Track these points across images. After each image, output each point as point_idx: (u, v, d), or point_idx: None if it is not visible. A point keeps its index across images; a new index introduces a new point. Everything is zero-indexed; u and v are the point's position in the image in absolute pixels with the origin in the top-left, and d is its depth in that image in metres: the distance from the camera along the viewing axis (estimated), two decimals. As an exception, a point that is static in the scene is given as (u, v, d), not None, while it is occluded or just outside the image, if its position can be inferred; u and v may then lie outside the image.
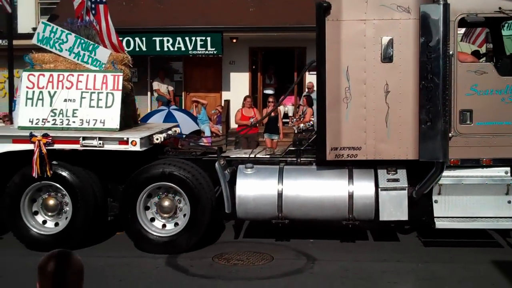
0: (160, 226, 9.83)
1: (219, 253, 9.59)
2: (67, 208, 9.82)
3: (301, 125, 17.44)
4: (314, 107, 17.90)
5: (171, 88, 22.48)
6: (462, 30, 11.04)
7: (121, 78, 10.00)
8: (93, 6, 10.86)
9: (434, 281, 8.51)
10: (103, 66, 10.21)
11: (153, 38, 21.85)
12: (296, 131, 17.81)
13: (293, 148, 10.29)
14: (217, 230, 10.74)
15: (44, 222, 9.94)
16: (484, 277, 8.57)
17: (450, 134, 9.26)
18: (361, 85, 9.31)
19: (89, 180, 9.79)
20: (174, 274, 8.84)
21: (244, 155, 10.49)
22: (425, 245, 10.05)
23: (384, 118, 9.33)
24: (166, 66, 23.92)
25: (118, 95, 9.96)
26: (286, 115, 23.01)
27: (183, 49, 22.45)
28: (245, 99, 18.17)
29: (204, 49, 22.48)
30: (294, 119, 18.60)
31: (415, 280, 8.50)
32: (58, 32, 10.24)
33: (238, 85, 23.19)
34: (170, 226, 9.84)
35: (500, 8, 9.21)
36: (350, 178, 9.61)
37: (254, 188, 9.72)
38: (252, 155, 10.37)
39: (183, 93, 24.00)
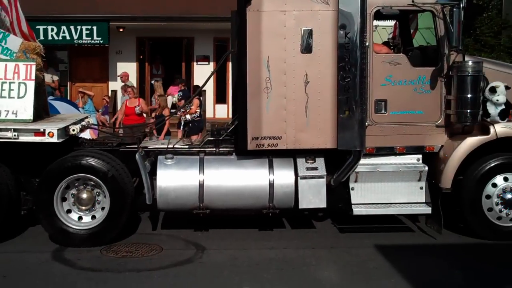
0: (76, 219, 9.56)
1: (108, 245, 9.46)
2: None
3: (188, 116, 17.40)
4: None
5: (56, 78, 21.71)
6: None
7: (34, 67, 9.60)
8: (2, -7, 10.33)
9: (319, 266, 8.75)
10: (14, 55, 9.76)
11: (37, 27, 20.91)
12: (182, 122, 17.79)
13: (211, 138, 10.25)
14: (134, 222, 10.60)
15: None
16: (367, 261, 8.91)
17: (366, 123, 9.56)
18: (281, 76, 9.42)
19: (2, 173, 9.36)
20: (61, 268, 8.64)
21: (162, 146, 10.35)
22: (341, 232, 10.36)
23: (304, 108, 9.49)
24: (51, 55, 23.07)
25: (31, 85, 9.55)
26: (174, 106, 22.89)
27: (68, 38, 21.92)
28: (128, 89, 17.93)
29: (90, 38, 22.03)
30: (182, 110, 18.48)
31: (301, 266, 8.68)
32: (-34, 20, 9.70)
33: (125, 76, 22.79)
34: (87, 219, 9.58)
35: (413, 1, 9.60)
36: (270, 167, 9.72)
37: (175, 179, 9.64)
38: (170, 146, 10.25)
39: (68, 83, 23.33)
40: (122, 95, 19.26)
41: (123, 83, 19.77)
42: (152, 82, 23.33)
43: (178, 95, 19.05)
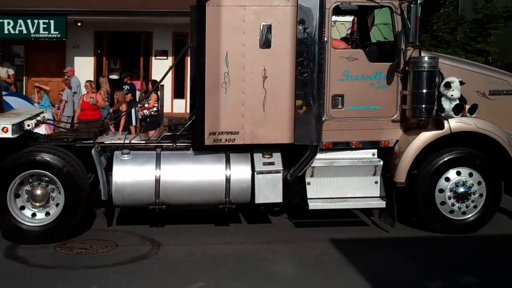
0: (30, 215, 9.41)
1: (62, 242, 9.36)
2: None
3: (146, 111, 17.35)
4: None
5: (11, 72, 21.36)
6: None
7: (-13, 62, 9.47)
8: None
9: (275, 261, 8.81)
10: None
11: (-8, 20, 20.75)
12: (140, 117, 17.73)
13: (169, 133, 10.19)
14: (90, 218, 10.51)
15: None
16: (322, 255, 8.99)
17: (323, 118, 9.61)
18: (239, 71, 9.40)
19: (-48, 169, 9.19)
20: (14, 266, 8.51)
21: (118, 141, 10.25)
22: (297, 226, 10.42)
23: (262, 103, 9.48)
24: (6, 49, 22.76)
25: (-15, 80, 9.42)
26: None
27: (24, 32, 21.70)
28: (84, 84, 17.99)
29: (47, 32, 21.81)
30: (139, 105, 18.43)
31: (257, 260, 8.72)
32: None
33: (83, 70, 22.50)
34: (41, 215, 9.45)
35: None
36: (227, 162, 9.70)
37: (131, 174, 9.55)
38: (127, 141, 10.16)
39: (24, 77, 23.01)
40: (63, 89, 19.13)
41: (67, 78, 19.61)
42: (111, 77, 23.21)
43: (124, 89, 19.06)
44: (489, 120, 9.92)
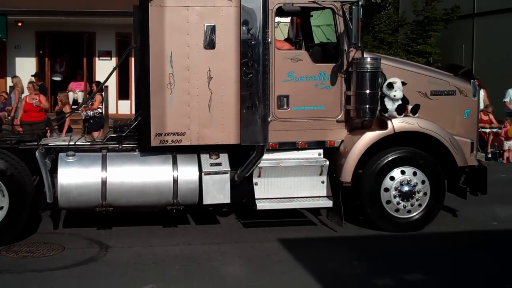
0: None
1: (7, 246, 9.22)
2: None
3: (90, 112, 17.20)
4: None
5: (-51, 74, 20.97)
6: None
7: None
8: None
9: (224, 261, 8.82)
10: None
11: None
12: (84, 118, 17.57)
13: (114, 135, 10.12)
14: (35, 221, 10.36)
15: None
16: (271, 255, 9.06)
17: (269, 119, 9.68)
18: (184, 71, 9.40)
19: None
20: None
21: (63, 143, 10.14)
22: (245, 226, 10.47)
23: (207, 104, 9.50)
24: None
25: None
26: (76, 102, 22.59)
27: (-38, 32, 21.12)
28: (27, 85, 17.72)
29: (-14, 32, 21.30)
30: (83, 105, 18.26)
31: (207, 261, 8.74)
32: None
33: (25, 71, 22.08)
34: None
35: None
36: (174, 163, 9.69)
37: (76, 176, 9.44)
38: (72, 143, 10.05)
39: (-37, 79, 22.55)
40: None
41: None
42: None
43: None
44: (431, 120, 10.14)
